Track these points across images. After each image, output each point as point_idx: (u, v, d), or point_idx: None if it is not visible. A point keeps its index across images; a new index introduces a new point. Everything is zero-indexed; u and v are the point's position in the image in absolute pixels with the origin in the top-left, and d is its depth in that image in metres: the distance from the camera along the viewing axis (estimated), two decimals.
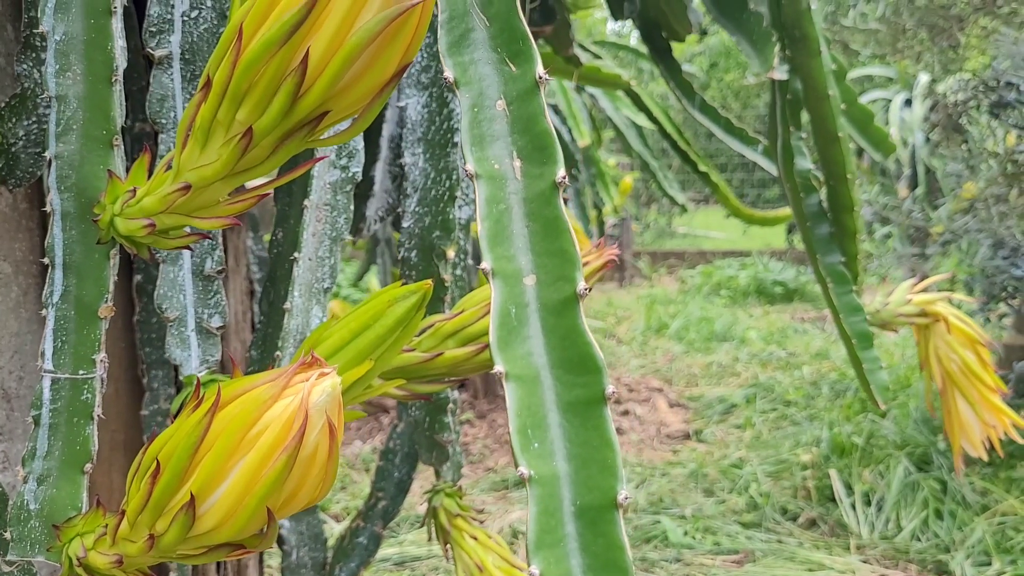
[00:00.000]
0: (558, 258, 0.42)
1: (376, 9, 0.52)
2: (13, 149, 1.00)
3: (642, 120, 4.12)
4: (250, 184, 0.69)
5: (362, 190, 1.29)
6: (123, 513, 0.60)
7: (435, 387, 0.91)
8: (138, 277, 1.32)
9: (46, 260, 0.74)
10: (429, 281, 0.76)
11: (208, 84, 0.58)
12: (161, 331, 1.33)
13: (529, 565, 0.37)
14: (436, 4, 0.45)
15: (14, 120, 1.00)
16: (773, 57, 1.17)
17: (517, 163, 0.43)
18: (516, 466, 0.38)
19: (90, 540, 0.67)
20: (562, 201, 0.42)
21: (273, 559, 2.60)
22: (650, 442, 4.34)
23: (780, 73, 1.19)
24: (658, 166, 4.25)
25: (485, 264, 0.42)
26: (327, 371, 0.51)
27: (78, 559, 0.66)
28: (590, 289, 0.54)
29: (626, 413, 4.74)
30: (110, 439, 1.36)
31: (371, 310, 0.76)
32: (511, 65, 0.44)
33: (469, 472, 3.94)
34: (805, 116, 1.32)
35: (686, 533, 3.18)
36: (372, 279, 5.26)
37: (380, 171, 1.27)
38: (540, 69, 0.44)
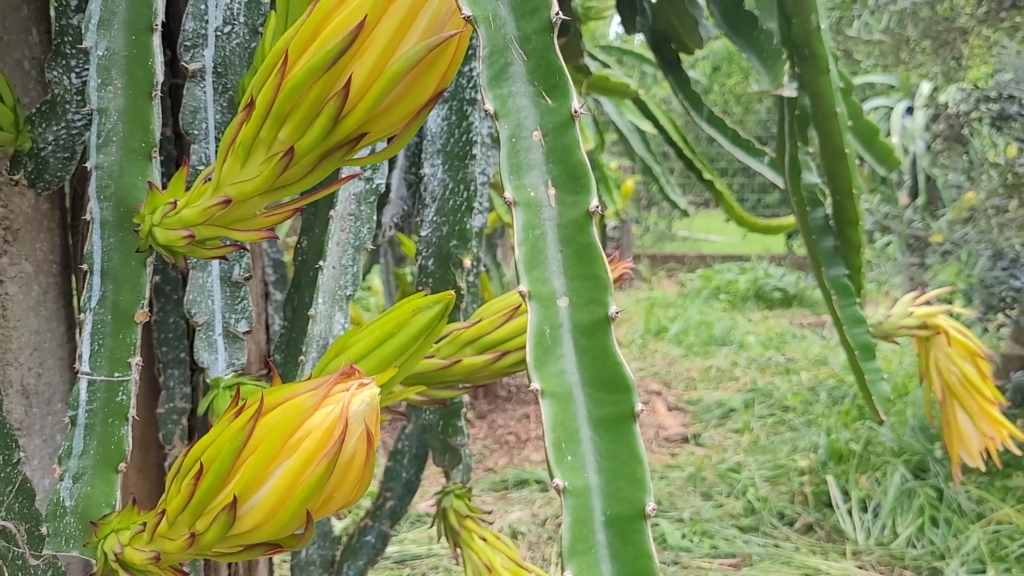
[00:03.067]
0: (591, 282, 0.45)
1: (417, 39, 0.55)
2: (43, 154, 1.03)
3: (646, 125, 4.15)
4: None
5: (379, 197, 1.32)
6: (163, 512, 0.63)
7: (451, 393, 0.94)
8: (156, 278, 1.35)
9: (83, 266, 0.77)
10: (451, 292, 0.79)
11: (251, 104, 0.61)
12: (177, 331, 1.36)
13: (564, 572, 0.40)
14: (478, 38, 0.48)
15: (44, 125, 1.03)
16: (783, 75, 1.20)
17: (552, 191, 0.46)
18: (551, 478, 0.41)
19: (125, 537, 0.70)
20: (595, 229, 0.45)
21: (283, 557, 2.63)
22: (648, 445, 4.37)
23: (790, 91, 1.22)
24: (660, 171, 4.28)
25: (522, 287, 0.44)
26: (366, 382, 0.54)
27: (114, 555, 0.69)
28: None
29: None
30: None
31: (395, 319, 0.79)
32: (547, 99, 0.47)
33: None
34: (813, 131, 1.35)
35: (684, 536, 3.21)
36: (374, 278, 5.29)
37: (396, 179, 1.30)
38: (576, 104, 0.47)
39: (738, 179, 12.75)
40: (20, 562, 0.91)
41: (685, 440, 4.44)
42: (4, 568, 0.91)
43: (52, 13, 1.14)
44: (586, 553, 0.40)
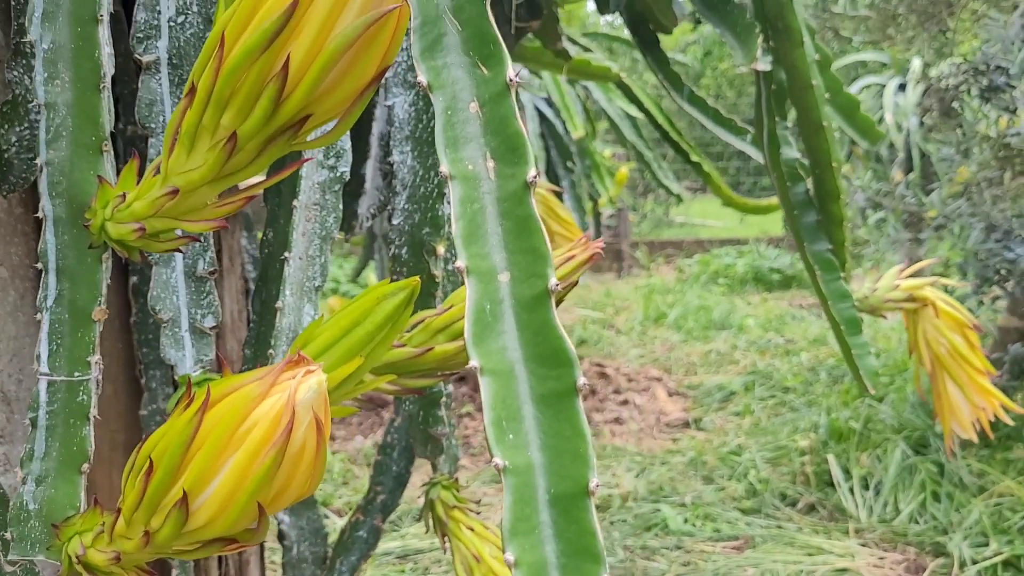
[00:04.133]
0: (530, 255, 0.43)
1: (354, 15, 0.53)
2: (6, 155, 1.01)
3: (636, 111, 4.13)
4: (242, 185, 0.70)
5: (353, 188, 1.30)
6: (119, 511, 0.61)
7: (427, 381, 0.93)
8: (134, 279, 1.33)
9: (38, 264, 0.76)
10: (416, 278, 0.77)
11: (193, 90, 0.60)
12: (158, 332, 1.35)
13: (504, 551, 0.38)
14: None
15: (6, 126, 1.01)
16: (756, 48, 1.18)
17: (491, 164, 0.45)
18: (491, 457, 0.40)
19: (88, 538, 0.69)
20: (534, 200, 0.44)
21: (276, 555, 2.62)
22: (649, 431, 4.36)
23: (763, 64, 1.20)
24: (652, 156, 4.25)
25: (460, 262, 0.43)
26: (313, 368, 0.52)
27: (77, 557, 0.67)
28: (572, 284, 0.56)
29: (625, 403, 4.76)
30: (110, 439, 1.38)
31: (360, 307, 0.77)
32: (483, 68, 0.46)
33: (470, 465, 3.96)
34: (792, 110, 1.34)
35: (686, 520, 3.20)
36: (370, 274, 5.28)
37: (371, 169, 1.29)
38: (511, 72, 0.45)
39: (734, 163, 12.73)
40: None
41: (686, 425, 4.43)
42: None
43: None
44: (529, 533, 0.39)
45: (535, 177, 0.44)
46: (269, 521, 0.55)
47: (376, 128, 1.26)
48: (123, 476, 0.61)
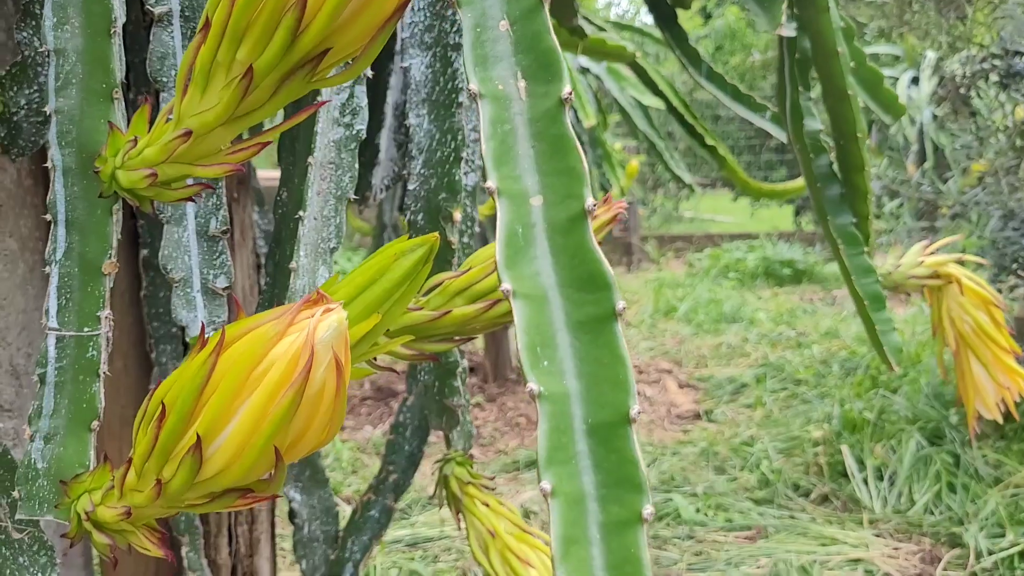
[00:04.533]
0: (566, 176, 0.41)
1: None
2: (15, 118, 0.99)
3: (648, 99, 4.09)
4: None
5: (367, 158, 1.28)
6: (130, 462, 0.59)
7: (444, 346, 0.90)
8: (144, 252, 1.32)
9: (46, 216, 0.74)
10: (436, 234, 0.75)
11: (207, 25, 0.57)
12: (168, 306, 1.33)
13: (540, 480, 0.36)
14: None
15: (15, 89, 0.99)
16: (781, 14, 1.15)
17: (522, 83, 0.42)
18: (525, 383, 0.37)
19: (98, 496, 0.67)
20: (568, 118, 0.41)
21: (285, 542, 2.61)
22: (660, 423, 4.33)
23: (788, 30, 1.17)
24: (664, 146, 4.22)
25: (490, 183, 0.41)
26: (333, 307, 0.50)
27: (86, 514, 0.65)
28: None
29: (637, 394, 4.72)
30: (120, 414, 1.36)
31: (377, 264, 0.75)
32: None
33: (480, 455, 3.94)
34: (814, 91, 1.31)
35: (698, 510, 3.17)
36: None
37: (385, 139, 1.26)
38: None
39: (744, 157, 12.67)
40: (3, 536, 0.88)
41: (697, 417, 4.40)
42: None
43: None
44: (566, 463, 0.36)
45: (570, 94, 0.41)
46: (285, 470, 0.53)
47: (391, 97, 1.24)
48: (134, 426, 0.59)
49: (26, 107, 0.98)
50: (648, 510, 0.35)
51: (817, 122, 1.28)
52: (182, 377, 0.53)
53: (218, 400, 0.51)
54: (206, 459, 0.52)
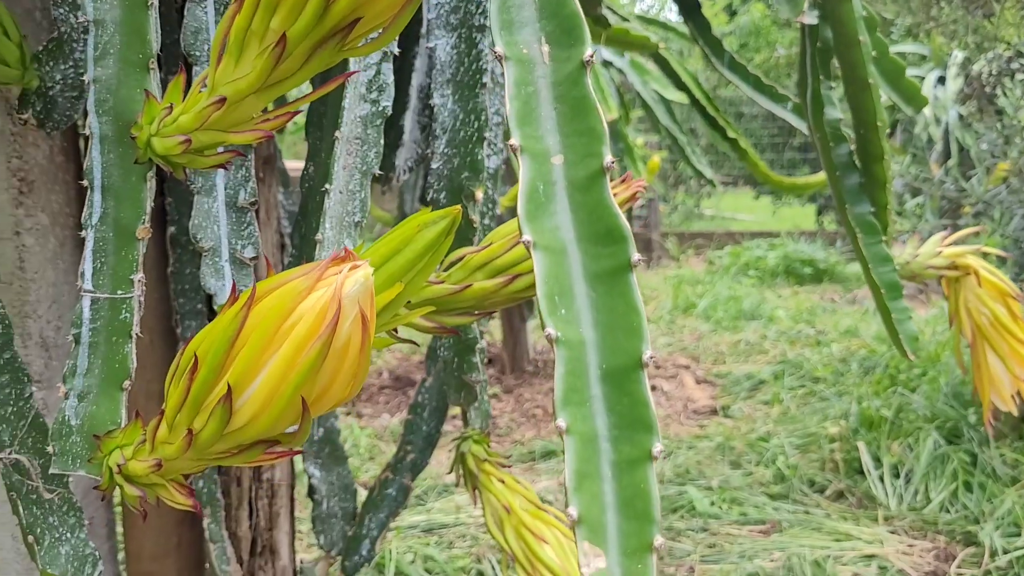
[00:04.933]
0: (586, 136, 0.42)
1: None
2: (51, 93, 1.02)
3: (671, 94, 4.09)
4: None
5: (391, 140, 1.30)
6: (161, 415, 0.62)
7: (464, 319, 0.92)
8: (172, 229, 1.34)
9: (83, 181, 0.76)
10: (458, 207, 0.77)
11: None
12: (194, 282, 1.36)
13: (556, 419, 0.38)
14: None
15: (51, 64, 1.01)
16: (803, 2, 1.16)
17: (545, 48, 0.44)
18: (543, 328, 0.39)
19: (129, 451, 0.69)
20: (590, 80, 0.43)
21: (302, 525, 2.64)
22: (677, 417, 4.34)
23: (810, 18, 1.18)
24: (687, 141, 4.22)
25: (514, 141, 0.42)
26: (359, 263, 0.52)
27: (118, 467, 0.68)
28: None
29: (653, 389, 4.72)
30: (145, 389, 1.39)
31: (401, 235, 0.77)
32: None
33: (496, 445, 3.96)
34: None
35: (712, 504, 3.18)
36: None
37: (409, 120, 1.28)
38: None
39: (767, 155, 12.61)
40: (34, 496, 0.91)
41: (714, 412, 4.40)
42: (18, 501, 0.91)
43: None
44: (581, 404, 0.38)
45: (591, 56, 0.43)
46: (310, 423, 0.55)
47: (416, 79, 1.26)
48: (166, 381, 0.61)
49: (61, 82, 1.00)
50: (658, 448, 0.37)
51: (837, 111, 1.29)
52: (214, 330, 0.55)
53: (248, 352, 0.53)
54: (236, 410, 0.54)
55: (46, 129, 1.05)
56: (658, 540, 0.36)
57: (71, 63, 1.01)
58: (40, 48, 1.01)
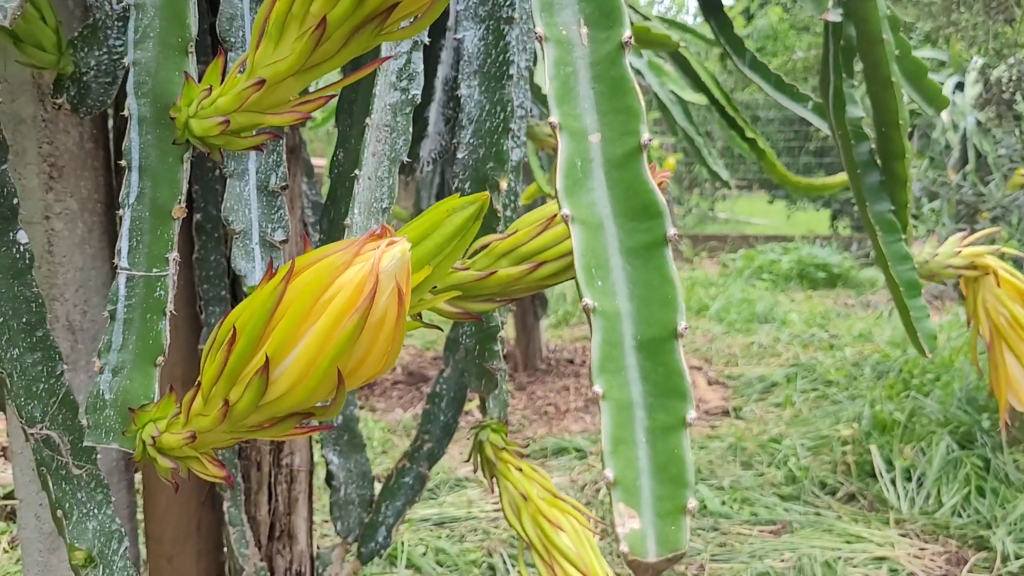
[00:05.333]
0: (623, 115, 0.44)
1: None
2: (85, 78, 1.04)
3: (688, 95, 4.09)
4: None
5: (416, 131, 1.32)
6: (198, 386, 0.63)
7: (488, 306, 0.94)
8: (197, 216, 1.36)
9: (121, 162, 0.78)
10: (486, 193, 0.78)
11: None
12: (219, 269, 1.37)
13: (593, 385, 0.39)
14: None
15: (86, 50, 1.03)
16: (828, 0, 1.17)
17: (584, 30, 0.45)
18: (580, 298, 0.40)
19: (163, 424, 0.71)
20: (628, 60, 0.44)
21: (319, 517, 2.66)
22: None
23: (834, 15, 1.19)
24: (703, 142, 4.22)
25: (553, 119, 0.44)
26: (397, 239, 0.53)
27: (152, 439, 0.69)
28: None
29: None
30: (169, 373, 1.41)
31: (429, 220, 0.78)
32: None
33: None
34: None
35: (723, 503, 3.19)
36: None
37: (434, 112, 1.30)
38: None
39: (783, 159, 12.57)
40: (63, 472, 0.93)
41: (725, 413, 4.41)
42: (48, 477, 0.92)
43: None
44: (616, 372, 0.39)
45: (630, 38, 0.44)
46: (344, 395, 0.56)
47: (441, 71, 1.27)
48: (202, 355, 0.63)
49: (95, 68, 1.02)
50: (692, 415, 0.38)
51: (859, 109, 1.29)
52: (253, 303, 0.56)
53: (286, 324, 0.54)
54: (272, 381, 0.56)
55: (80, 114, 1.07)
56: (691, 503, 0.37)
57: (105, 50, 1.03)
58: (75, 34, 1.03)
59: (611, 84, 0.44)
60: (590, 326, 0.40)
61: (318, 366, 0.54)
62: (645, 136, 0.42)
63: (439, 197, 1.42)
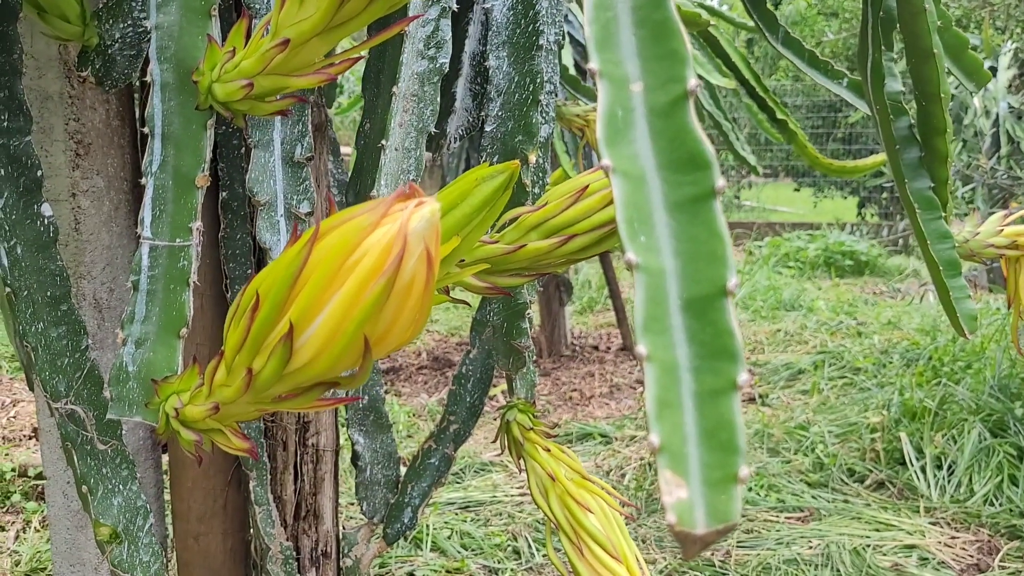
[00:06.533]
0: (667, 60, 0.41)
1: None
2: (110, 51, 1.03)
3: (716, 78, 4.04)
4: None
5: (443, 107, 1.29)
6: (221, 356, 0.61)
7: (516, 280, 0.91)
8: (224, 194, 1.35)
9: (144, 129, 0.76)
10: (516, 162, 0.76)
11: None
12: (244, 248, 1.36)
13: (636, 345, 0.37)
14: None
15: (111, 22, 1.02)
16: None
17: None
18: (623, 253, 0.38)
19: (186, 396, 0.69)
20: (673, 2, 0.42)
21: (345, 500, 2.66)
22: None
23: None
24: (730, 128, 4.17)
25: (593, 64, 0.41)
26: (425, 200, 0.51)
27: (175, 411, 0.68)
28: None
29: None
30: (195, 352, 1.40)
31: (458, 189, 0.76)
32: None
33: None
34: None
35: (750, 489, 3.15)
36: None
37: (461, 88, 1.27)
38: None
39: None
40: (88, 447, 0.92)
41: (751, 400, 4.36)
42: (73, 452, 0.92)
43: None
44: (661, 333, 0.37)
45: None
46: (371, 363, 0.54)
47: (469, 46, 1.24)
48: (225, 323, 0.61)
49: (120, 40, 1.01)
50: (743, 377, 0.36)
51: (898, 83, 1.26)
52: (276, 268, 0.54)
53: (311, 289, 0.52)
54: (297, 348, 0.54)
55: (105, 87, 1.06)
56: (743, 471, 0.35)
57: (130, 21, 1.02)
58: (100, 6, 1.01)
59: (655, 28, 0.42)
60: (634, 283, 0.38)
61: (344, 332, 0.52)
62: (692, 82, 0.40)
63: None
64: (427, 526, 2.79)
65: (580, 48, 3.56)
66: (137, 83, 1.33)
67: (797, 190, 13.22)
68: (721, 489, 0.34)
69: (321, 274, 0.52)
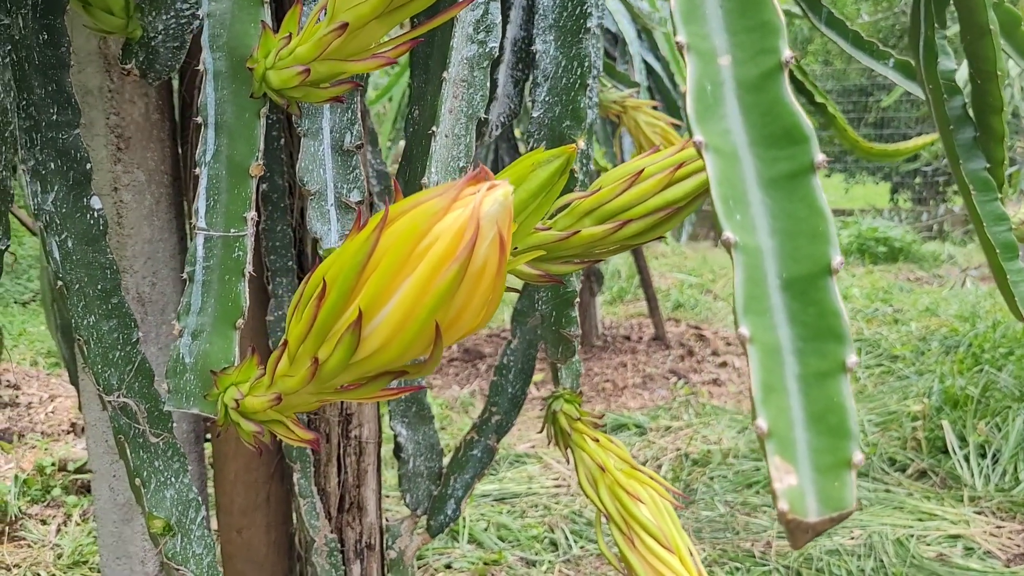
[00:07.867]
0: (758, 32, 0.39)
1: None
2: (153, 43, 1.02)
3: None
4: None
5: None
6: (284, 346, 0.61)
7: (568, 268, 0.90)
8: (264, 186, 1.34)
9: (197, 118, 0.75)
10: (573, 146, 0.74)
11: None
12: (285, 239, 1.36)
13: (738, 327, 0.35)
14: None
15: (154, 14, 1.01)
16: None
17: None
18: (720, 232, 0.36)
19: (246, 387, 0.69)
20: None
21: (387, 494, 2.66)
22: (748, 393, 4.26)
23: None
24: None
25: (680, 38, 0.40)
26: (498, 183, 0.50)
27: (235, 402, 0.67)
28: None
29: (724, 364, 4.67)
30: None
31: (515, 174, 0.74)
32: None
33: None
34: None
35: None
36: None
37: (503, 75, 1.26)
38: None
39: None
40: (141, 440, 0.92)
41: None
42: (126, 445, 0.91)
43: None
44: (761, 314, 0.35)
45: None
46: (442, 350, 0.53)
47: (510, 32, 1.23)
48: (288, 312, 0.60)
49: (163, 32, 1.00)
50: (852, 359, 0.34)
51: (952, 61, 1.22)
52: (343, 255, 0.53)
53: (380, 276, 0.51)
54: (364, 336, 0.53)
55: (148, 79, 1.05)
56: (857, 456, 0.33)
57: (173, 13, 1.01)
58: None
59: (742, 1, 0.40)
60: (732, 262, 0.36)
61: (415, 319, 0.50)
62: (786, 53, 0.38)
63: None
64: (464, 518, 2.78)
65: (609, 35, 3.53)
66: (176, 76, 1.33)
67: (828, 175, 13.07)
68: (833, 475, 0.32)
69: (391, 260, 0.51)
